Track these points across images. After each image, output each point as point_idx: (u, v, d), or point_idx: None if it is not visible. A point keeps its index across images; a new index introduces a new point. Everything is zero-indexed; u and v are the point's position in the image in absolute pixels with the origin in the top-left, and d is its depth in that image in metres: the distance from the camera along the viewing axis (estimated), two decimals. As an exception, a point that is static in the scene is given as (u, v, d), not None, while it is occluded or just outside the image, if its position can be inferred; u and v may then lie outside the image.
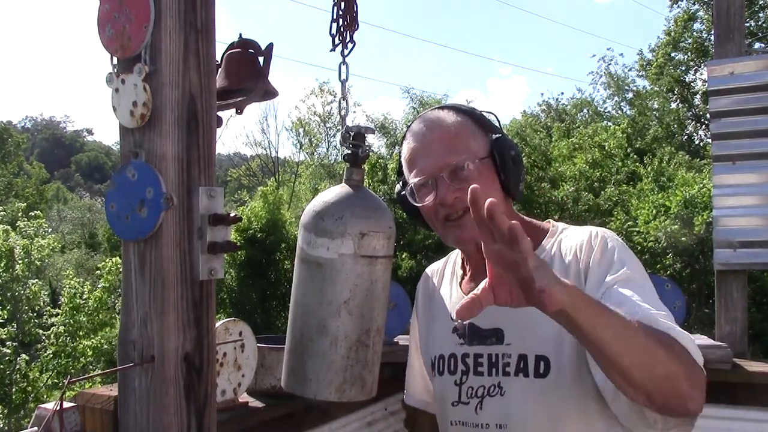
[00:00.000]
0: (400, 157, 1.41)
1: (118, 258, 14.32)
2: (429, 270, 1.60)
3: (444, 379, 1.39)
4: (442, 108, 1.34)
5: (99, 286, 13.57)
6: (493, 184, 1.26)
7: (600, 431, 1.19)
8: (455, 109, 1.32)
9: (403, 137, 1.40)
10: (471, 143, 1.27)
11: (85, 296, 13.26)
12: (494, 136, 1.28)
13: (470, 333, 1.34)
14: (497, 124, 1.33)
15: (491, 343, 1.30)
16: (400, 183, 1.42)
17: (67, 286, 13.48)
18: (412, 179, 1.32)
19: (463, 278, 1.44)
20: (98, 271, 14.93)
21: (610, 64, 20.80)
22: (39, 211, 16.96)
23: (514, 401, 1.25)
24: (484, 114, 1.32)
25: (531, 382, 1.23)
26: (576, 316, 0.91)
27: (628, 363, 0.96)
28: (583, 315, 0.92)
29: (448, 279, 1.49)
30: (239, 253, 14.61)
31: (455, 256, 1.52)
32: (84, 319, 12.84)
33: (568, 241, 1.26)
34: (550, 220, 1.38)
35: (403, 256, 13.81)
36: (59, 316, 13.14)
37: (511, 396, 1.26)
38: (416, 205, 1.33)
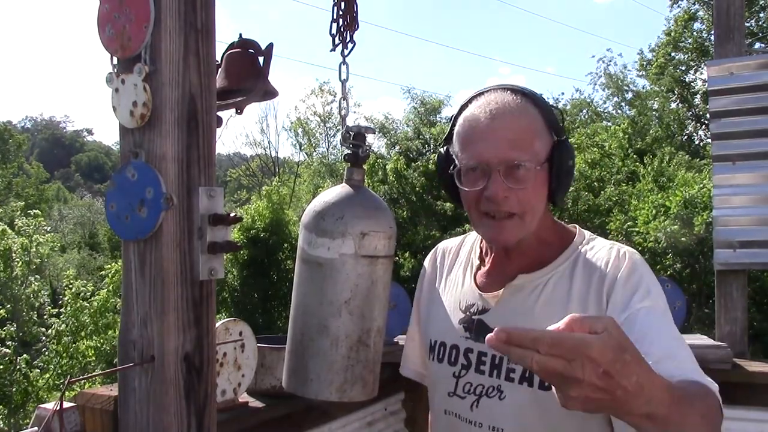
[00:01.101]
0: (453, 124, 1.30)
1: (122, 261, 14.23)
2: (442, 246, 1.54)
3: (442, 367, 1.37)
4: (516, 91, 1.22)
5: (103, 289, 13.56)
6: (542, 191, 1.21)
7: None
8: (530, 97, 1.21)
9: (463, 106, 1.29)
10: (536, 142, 1.19)
11: (87, 297, 13.25)
12: (557, 140, 1.21)
13: (478, 329, 1.31)
14: (562, 124, 1.25)
15: (479, 351, 1.29)
16: (445, 152, 1.32)
17: (70, 286, 13.47)
18: (465, 160, 1.22)
19: (479, 269, 1.38)
20: (102, 272, 14.92)
21: (609, 64, 20.81)
22: (38, 210, 16.93)
23: (513, 408, 1.23)
24: (554, 110, 1.24)
25: (534, 393, 1.20)
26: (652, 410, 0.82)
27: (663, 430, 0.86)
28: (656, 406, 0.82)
29: (462, 264, 1.43)
30: (242, 252, 14.61)
31: (472, 240, 1.46)
32: (88, 320, 12.83)
33: (595, 253, 1.22)
34: (576, 225, 1.34)
35: (406, 255, 13.82)
36: (62, 317, 13.13)
37: (510, 402, 1.24)
38: (461, 187, 1.24)
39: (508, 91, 1.23)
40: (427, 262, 1.58)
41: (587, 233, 1.29)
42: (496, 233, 1.23)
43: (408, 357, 1.65)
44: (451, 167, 1.26)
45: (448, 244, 1.54)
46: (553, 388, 0.87)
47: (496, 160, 1.18)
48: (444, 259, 1.52)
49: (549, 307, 1.19)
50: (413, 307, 1.63)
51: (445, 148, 1.34)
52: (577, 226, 1.33)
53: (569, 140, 1.24)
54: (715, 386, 1.05)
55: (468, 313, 1.35)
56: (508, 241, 1.22)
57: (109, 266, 14.39)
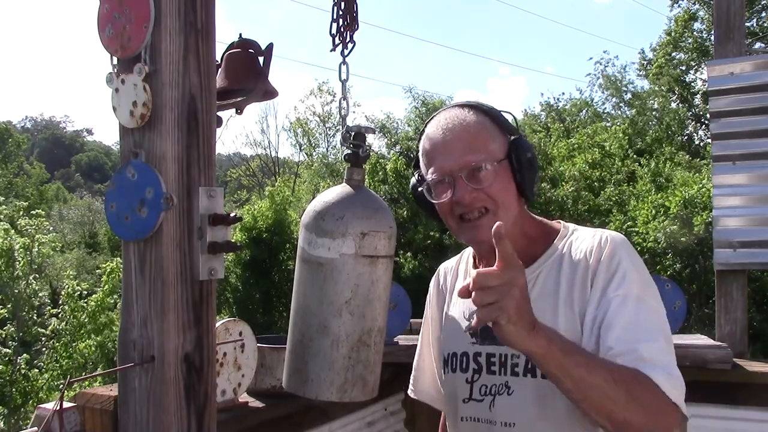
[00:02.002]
0: (417, 150, 1.40)
1: (119, 259, 14.31)
2: (442, 267, 1.60)
3: (455, 376, 1.40)
4: (463, 106, 1.32)
5: (100, 288, 13.55)
6: (509, 186, 1.27)
7: None
8: (476, 108, 1.31)
9: (422, 131, 1.39)
10: (490, 144, 1.27)
11: (84, 297, 13.25)
12: (512, 138, 1.28)
13: (482, 333, 1.32)
14: (515, 125, 1.33)
15: (502, 343, 1.31)
16: (417, 177, 1.41)
17: (67, 286, 13.46)
18: (430, 176, 1.31)
19: None
20: (98, 270, 14.91)
21: (606, 66, 20.81)
22: (40, 210, 16.93)
23: (520, 400, 1.27)
24: (503, 114, 1.32)
25: (538, 383, 1.24)
26: (542, 366, 1.06)
27: (587, 407, 1.07)
28: (549, 367, 1.04)
29: (461, 277, 1.49)
30: (244, 252, 14.60)
31: (468, 254, 1.53)
32: (86, 319, 12.83)
33: (579, 243, 1.27)
34: (560, 220, 1.38)
35: (407, 255, 13.82)
36: (59, 317, 13.12)
37: (518, 395, 1.28)
38: (432, 201, 1.33)
39: (457, 107, 1.33)
40: (431, 286, 1.62)
41: (571, 225, 1.33)
42: (474, 233, 1.29)
43: (417, 380, 1.66)
44: (421, 186, 1.36)
45: (447, 264, 1.60)
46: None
47: (457, 167, 1.26)
48: (446, 279, 1.57)
49: (540, 302, 1.22)
50: (422, 331, 1.65)
51: (416, 173, 1.41)
52: (561, 221, 1.37)
53: (525, 138, 1.30)
54: (663, 378, 1.10)
55: (471, 319, 1.36)
56: (489, 237, 1.21)
57: (105, 265, 14.38)
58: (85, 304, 13.02)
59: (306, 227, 1.36)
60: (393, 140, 17.30)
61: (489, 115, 1.30)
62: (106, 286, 13.21)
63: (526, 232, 1.32)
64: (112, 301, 13.08)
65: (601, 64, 20.89)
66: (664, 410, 1.09)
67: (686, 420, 1.13)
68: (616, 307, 1.16)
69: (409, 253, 13.86)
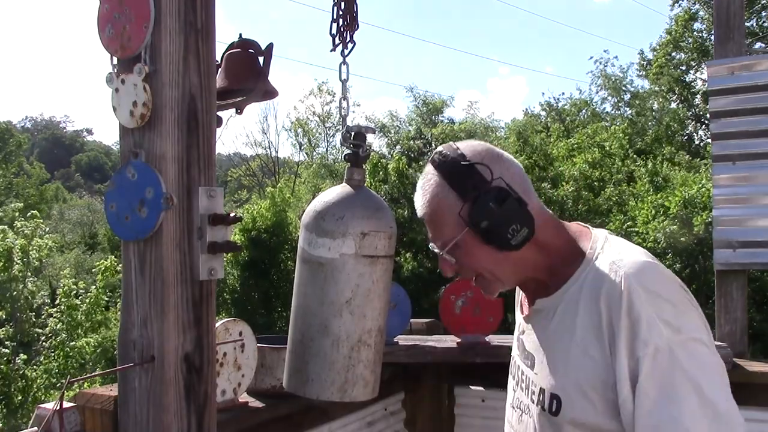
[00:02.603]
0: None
1: (113, 257, 14.35)
2: None
3: (510, 380, 1.39)
4: (431, 158, 1.25)
5: (94, 285, 13.57)
6: (481, 251, 1.20)
7: None
8: (436, 165, 1.22)
9: None
10: (446, 220, 1.20)
11: (80, 295, 13.26)
12: (465, 208, 1.17)
13: (521, 347, 1.34)
14: (479, 174, 1.19)
15: (528, 366, 1.29)
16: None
17: (64, 285, 13.47)
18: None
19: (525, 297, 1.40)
20: (94, 269, 14.90)
21: (606, 66, 20.79)
22: (37, 211, 16.92)
23: (532, 427, 1.25)
24: (474, 166, 1.19)
25: (546, 416, 1.21)
26: None
27: None
28: None
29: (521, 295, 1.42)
30: (243, 253, 14.60)
31: None
32: (82, 317, 12.85)
33: (595, 277, 1.16)
34: (591, 231, 1.27)
35: (407, 256, 13.81)
36: (55, 316, 13.13)
37: (532, 421, 1.26)
38: None
39: (429, 161, 1.26)
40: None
41: (599, 244, 1.22)
42: (483, 293, 1.29)
43: None
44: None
45: None
46: (560, 414, 1.14)
47: (433, 246, 1.25)
48: (518, 294, 1.49)
49: (558, 334, 1.20)
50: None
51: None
52: (591, 232, 1.27)
53: (486, 188, 1.18)
54: None
55: (519, 333, 1.37)
56: (493, 295, 1.29)
57: (99, 263, 14.38)
58: (80, 302, 13.03)
59: (306, 227, 1.36)
60: (394, 140, 17.29)
61: (445, 176, 1.20)
62: (101, 284, 13.24)
63: (548, 263, 1.23)
64: (106, 299, 13.10)
65: (601, 63, 20.88)
66: None
67: None
68: (647, 370, 1.05)
69: (409, 254, 13.86)
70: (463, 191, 1.19)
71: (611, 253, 1.18)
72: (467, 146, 1.23)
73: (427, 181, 1.24)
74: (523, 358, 1.31)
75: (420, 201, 1.25)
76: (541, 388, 1.22)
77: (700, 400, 1.03)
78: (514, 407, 1.34)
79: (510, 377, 1.38)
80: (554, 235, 1.24)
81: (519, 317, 1.37)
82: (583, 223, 1.31)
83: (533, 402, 1.24)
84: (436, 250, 1.24)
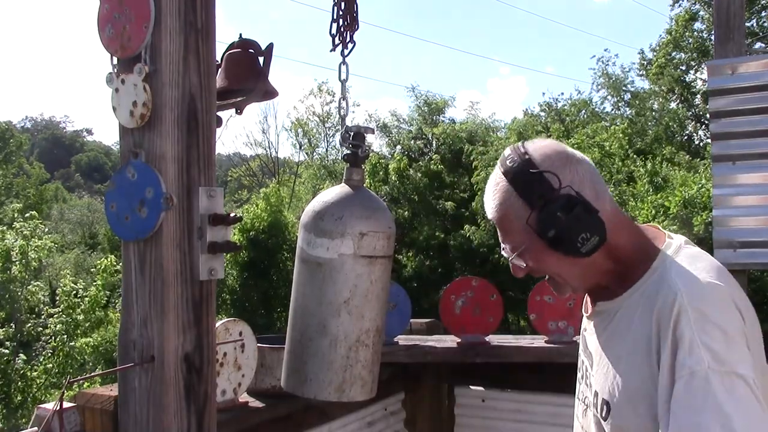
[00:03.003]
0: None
1: (113, 256, 14.34)
2: None
3: (578, 373, 1.39)
4: (499, 163, 1.24)
5: (94, 284, 13.58)
6: (550, 258, 1.19)
7: None
8: (505, 172, 1.21)
9: None
10: (514, 226, 1.20)
11: (80, 295, 13.27)
12: (533, 216, 1.17)
13: (583, 345, 1.36)
14: (547, 182, 1.17)
15: (589, 364, 1.30)
16: None
17: (63, 285, 13.47)
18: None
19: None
20: (93, 269, 14.90)
21: (607, 65, 20.75)
22: (35, 212, 16.91)
23: (587, 426, 1.28)
24: (543, 174, 1.17)
25: (597, 419, 1.22)
26: None
27: None
28: None
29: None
30: (242, 253, 14.60)
31: None
32: (81, 317, 12.85)
33: (653, 291, 1.14)
34: (666, 237, 1.23)
35: (409, 255, 13.81)
36: (55, 317, 13.14)
37: (587, 421, 1.29)
38: None
39: (497, 166, 1.25)
40: None
41: (671, 251, 1.19)
42: (554, 293, 1.40)
43: None
44: None
45: None
46: (608, 420, 1.16)
47: (503, 248, 1.24)
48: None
49: (613, 340, 1.20)
50: None
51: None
52: (666, 238, 1.23)
53: (553, 196, 1.17)
54: None
55: (582, 330, 1.40)
56: (563, 296, 1.44)
57: (99, 262, 14.39)
58: (80, 301, 13.04)
59: (305, 227, 1.36)
60: (395, 140, 17.26)
61: (513, 183, 1.20)
62: (99, 282, 13.25)
63: (621, 267, 1.21)
64: (105, 298, 13.11)
65: (602, 62, 20.85)
66: None
67: None
68: (681, 388, 1.03)
69: (410, 253, 13.86)
70: (530, 199, 1.17)
71: (679, 265, 1.15)
72: (536, 149, 1.20)
73: (495, 185, 1.23)
74: (586, 356, 1.32)
75: (489, 204, 1.24)
76: (595, 391, 1.23)
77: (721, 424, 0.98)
78: (579, 400, 1.35)
79: (578, 370, 1.38)
80: (627, 239, 1.21)
81: (584, 315, 1.37)
82: (659, 227, 1.28)
83: (591, 401, 1.26)
84: (505, 254, 1.23)
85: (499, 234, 1.25)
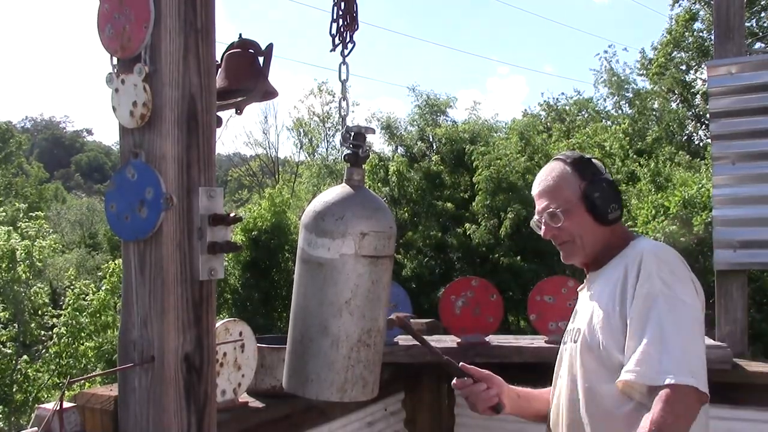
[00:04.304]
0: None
1: (120, 260, 14.23)
2: None
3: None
4: (557, 159, 1.68)
5: (102, 288, 13.56)
6: (582, 219, 1.59)
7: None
8: (564, 160, 1.66)
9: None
10: (564, 192, 1.61)
11: (88, 298, 13.26)
12: (584, 183, 1.60)
13: (572, 317, 1.71)
14: (598, 168, 1.65)
15: (571, 324, 1.68)
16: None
17: (72, 286, 13.47)
18: (536, 213, 1.68)
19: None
20: (99, 272, 14.90)
21: (611, 60, 20.69)
22: (39, 212, 16.92)
23: (561, 365, 1.66)
24: (593, 161, 1.66)
25: (570, 348, 1.60)
26: None
27: None
28: None
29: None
30: (243, 253, 14.59)
31: None
32: (86, 320, 12.84)
33: (630, 253, 1.56)
34: (638, 234, 1.76)
35: (409, 254, 13.80)
36: (62, 317, 13.13)
37: (562, 363, 1.65)
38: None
39: (552, 161, 1.70)
40: None
41: (640, 238, 1.66)
42: (563, 255, 1.67)
43: None
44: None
45: None
46: (578, 341, 1.55)
47: (540, 209, 1.65)
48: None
49: (594, 288, 1.60)
50: None
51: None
52: (638, 234, 1.74)
53: (600, 177, 1.63)
54: (670, 396, 1.35)
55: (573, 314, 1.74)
56: (569, 261, 1.67)
57: (106, 265, 14.38)
58: (86, 302, 13.03)
59: (306, 227, 1.36)
60: (396, 140, 17.21)
61: (571, 164, 1.63)
62: (106, 286, 13.23)
63: (611, 243, 1.62)
64: (112, 300, 13.11)
65: (606, 59, 20.79)
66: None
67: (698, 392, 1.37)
68: (637, 304, 1.44)
69: (410, 254, 13.86)
70: (584, 174, 1.62)
71: (647, 240, 1.66)
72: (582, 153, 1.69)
73: (553, 169, 1.66)
74: (570, 324, 1.67)
75: (544, 178, 1.66)
76: (578, 328, 1.57)
77: (662, 336, 1.38)
78: (559, 362, 1.68)
79: (562, 343, 1.70)
80: (621, 226, 1.66)
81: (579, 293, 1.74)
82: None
83: (571, 338, 1.60)
84: (545, 217, 1.62)
85: (542, 202, 1.64)
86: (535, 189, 1.69)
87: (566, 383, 1.59)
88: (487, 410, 1.68)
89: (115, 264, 13.70)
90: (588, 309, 1.56)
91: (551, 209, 1.61)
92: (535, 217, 1.69)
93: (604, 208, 1.59)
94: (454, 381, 1.68)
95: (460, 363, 1.68)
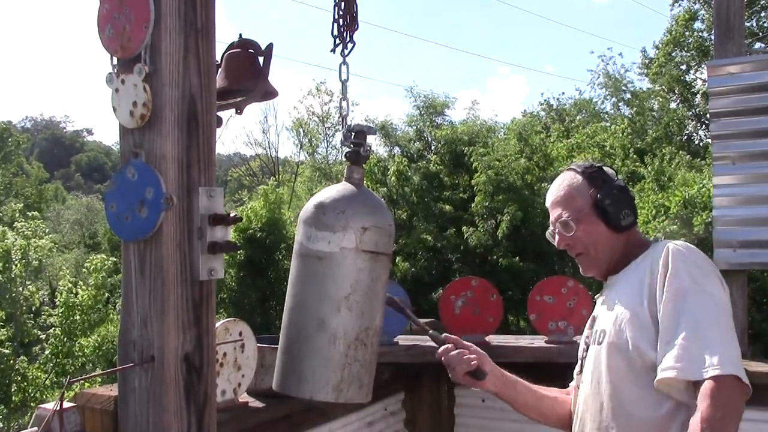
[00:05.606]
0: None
1: (103, 255, 14.31)
2: None
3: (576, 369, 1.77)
4: (569, 169, 1.70)
5: (89, 283, 13.56)
6: (594, 228, 1.60)
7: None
8: (575, 169, 1.67)
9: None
10: (576, 200, 1.62)
11: (79, 295, 13.25)
12: (595, 192, 1.60)
13: (589, 328, 1.70)
14: (610, 175, 1.65)
15: (591, 329, 1.66)
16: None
17: (61, 285, 13.47)
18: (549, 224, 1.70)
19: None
20: (84, 269, 14.86)
21: (608, 64, 20.71)
22: (36, 212, 16.91)
23: (587, 368, 1.63)
24: (604, 169, 1.66)
25: (596, 349, 1.58)
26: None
27: None
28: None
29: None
30: (239, 252, 14.55)
31: None
32: (79, 318, 12.84)
33: (653, 251, 1.55)
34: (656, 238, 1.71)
35: (408, 255, 13.78)
36: (55, 317, 13.13)
37: (587, 366, 1.63)
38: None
39: (564, 171, 1.71)
40: None
41: (660, 242, 1.62)
42: (581, 270, 1.68)
43: None
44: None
45: None
46: (603, 342, 1.54)
47: (553, 219, 1.66)
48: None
49: (615, 290, 1.59)
50: None
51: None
52: (655, 239, 1.70)
53: (611, 185, 1.62)
54: (711, 391, 1.40)
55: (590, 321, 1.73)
56: (588, 273, 1.66)
57: (90, 260, 14.37)
58: (78, 300, 13.03)
59: (305, 222, 1.36)
60: (393, 141, 17.19)
61: (582, 174, 1.64)
62: (94, 281, 13.25)
63: (627, 250, 1.62)
64: (105, 298, 13.11)
65: (603, 61, 20.79)
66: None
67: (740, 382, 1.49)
68: (667, 301, 1.43)
69: (408, 254, 13.84)
70: (594, 182, 1.62)
71: (663, 243, 1.58)
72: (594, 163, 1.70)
73: (564, 178, 1.67)
74: (589, 328, 1.66)
75: (557, 188, 1.67)
76: (602, 329, 1.56)
77: (697, 331, 1.38)
78: (578, 370, 1.69)
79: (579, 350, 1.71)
80: (636, 233, 1.65)
81: (596, 300, 1.73)
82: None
83: (595, 343, 1.58)
84: (558, 227, 1.63)
85: (557, 211, 1.64)
86: (548, 199, 1.70)
87: (590, 389, 1.56)
88: (467, 377, 1.62)
89: (99, 259, 13.71)
90: (611, 310, 1.55)
91: (563, 218, 1.62)
92: (550, 227, 1.69)
93: (616, 215, 1.59)
94: (438, 351, 1.64)
95: (444, 334, 1.67)
